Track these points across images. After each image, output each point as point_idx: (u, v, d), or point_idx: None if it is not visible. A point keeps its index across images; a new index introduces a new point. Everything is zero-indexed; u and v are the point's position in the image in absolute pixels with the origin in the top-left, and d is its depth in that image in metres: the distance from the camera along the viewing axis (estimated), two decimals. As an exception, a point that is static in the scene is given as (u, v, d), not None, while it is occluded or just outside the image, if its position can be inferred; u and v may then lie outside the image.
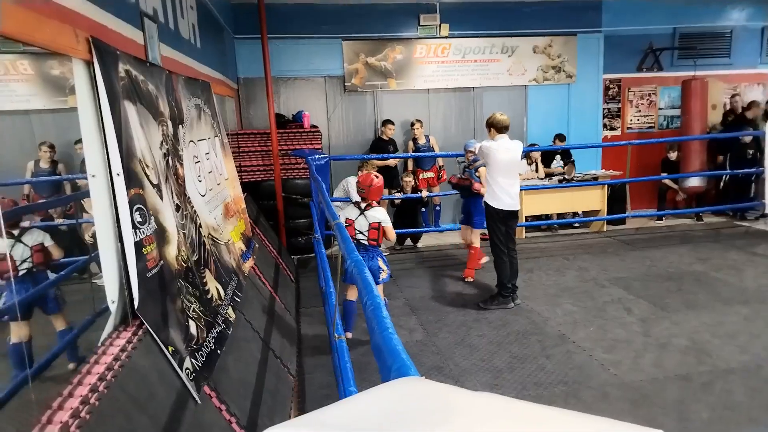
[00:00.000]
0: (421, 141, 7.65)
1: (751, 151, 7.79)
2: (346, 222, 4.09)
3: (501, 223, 4.87)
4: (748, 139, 7.77)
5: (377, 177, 4.17)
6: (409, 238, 7.46)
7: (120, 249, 2.05)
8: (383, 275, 4.12)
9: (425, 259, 6.82)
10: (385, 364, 0.94)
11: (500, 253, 4.90)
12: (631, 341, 4.10)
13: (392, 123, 7.55)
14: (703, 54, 8.67)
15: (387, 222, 4.13)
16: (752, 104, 8.14)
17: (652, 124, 8.91)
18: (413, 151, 7.60)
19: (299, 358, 3.92)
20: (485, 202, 4.95)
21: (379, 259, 4.16)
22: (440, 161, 7.79)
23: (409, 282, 5.83)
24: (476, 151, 5.39)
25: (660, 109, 8.89)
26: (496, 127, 4.83)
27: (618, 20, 8.36)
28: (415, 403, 0.71)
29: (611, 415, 2.87)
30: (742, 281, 5.32)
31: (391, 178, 7.57)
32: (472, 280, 5.73)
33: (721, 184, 8.31)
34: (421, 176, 7.68)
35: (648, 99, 8.83)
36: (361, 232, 4.12)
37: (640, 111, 8.86)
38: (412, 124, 7.63)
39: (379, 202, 4.30)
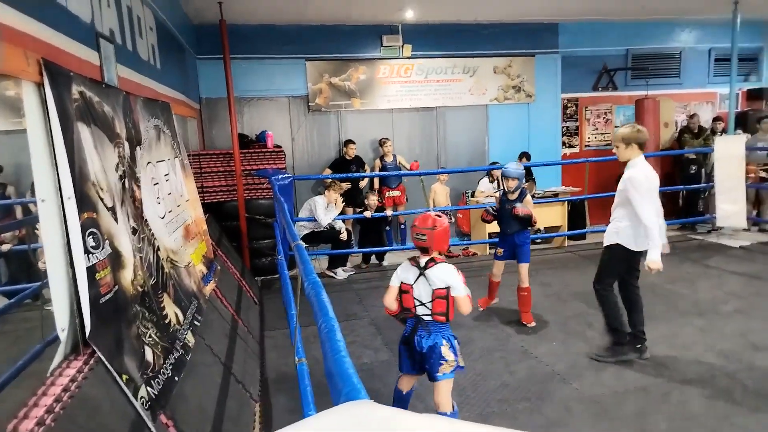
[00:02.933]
0: (388, 159, 7.73)
1: (693, 167, 8.18)
2: (401, 288, 2.96)
3: (626, 262, 4.03)
4: (690, 155, 8.16)
5: (440, 216, 2.94)
6: (374, 256, 7.46)
7: (71, 275, 1.99)
8: (445, 368, 2.83)
9: (390, 277, 6.80)
10: (336, 388, 0.94)
11: (609, 293, 4.08)
12: (592, 355, 4.18)
13: (353, 143, 7.60)
14: (654, 74, 9.05)
15: (458, 288, 2.82)
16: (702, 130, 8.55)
17: (609, 142, 9.19)
18: (380, 169, 7.67)
19: (263, 382, 3.85)
20: (617, 244, 3.96)
21: (444, 342, 2.85)
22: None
23: (375, 301, 5.81)
24: (520, 178, 4.83)
25: (616, 126, 9.18)
26: (641, 143, 3.88)
27: (574, 42, 8.66)
28: (360, 428, 0.71)
29: (574, 429, 2.87)
30: (697, 293, 5.49)
31: (356, 196, 7.60)
32: (533, 324, 4.85)
33: (680, 200, 8.66)
34: (387, 194, 7.75)
35: (604, 117, 9.13)
36: (422, 303, 2.87)
37: (597, 129, 9.14)
38: (382, 143, 7.72)
39: (448, 254, 2.92)
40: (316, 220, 6.59)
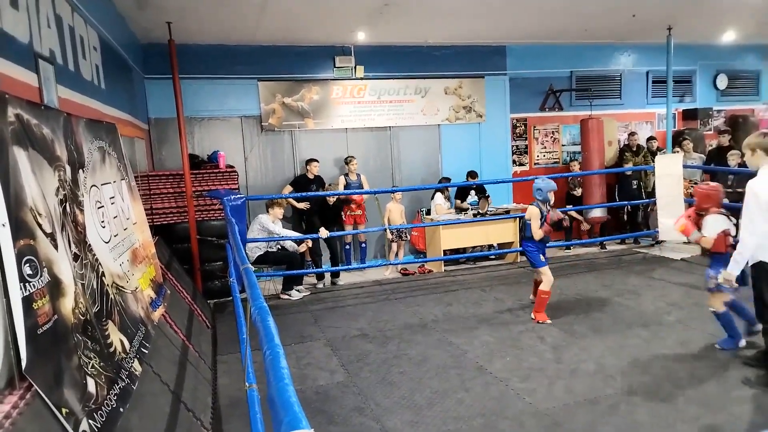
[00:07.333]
0: (352, 178, 7.77)
1: (635, 182, 8.53)
2: (723, 232, 4.21)
3: None
4: (630, 172, 8.53)
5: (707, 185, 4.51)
6: (329, 275, 7.42)
7: (6, 305, 1.90)
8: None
9: (346, 297, 6.79)
10: (277, 417, 0.93)
11: None
12: (544, 369, 4.26)
13: (317, 161, 7.59)
14: (597, 95, 9.44)
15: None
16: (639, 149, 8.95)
17: (557, 160, 9.50)
18: (345, 186, 7.70)
19: (215, 409, 3.75)
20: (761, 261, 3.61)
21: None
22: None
23: (330, 321, 5.77)
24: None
25: (563, 145, 9.52)
26: (766, 148, 3.62)
27: (521, 64, 8.96)
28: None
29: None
30: (641, 305, 5.70)
31: (328, 213, 7.50)
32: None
33: (625, 215, 8.97)
34: (348, 213, 7.77)
35: (552, 136, 9.44)
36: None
37: (545, 147, 9.44)
38: (348, 161, 7.79)
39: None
40: (268, 240, 6.51)
